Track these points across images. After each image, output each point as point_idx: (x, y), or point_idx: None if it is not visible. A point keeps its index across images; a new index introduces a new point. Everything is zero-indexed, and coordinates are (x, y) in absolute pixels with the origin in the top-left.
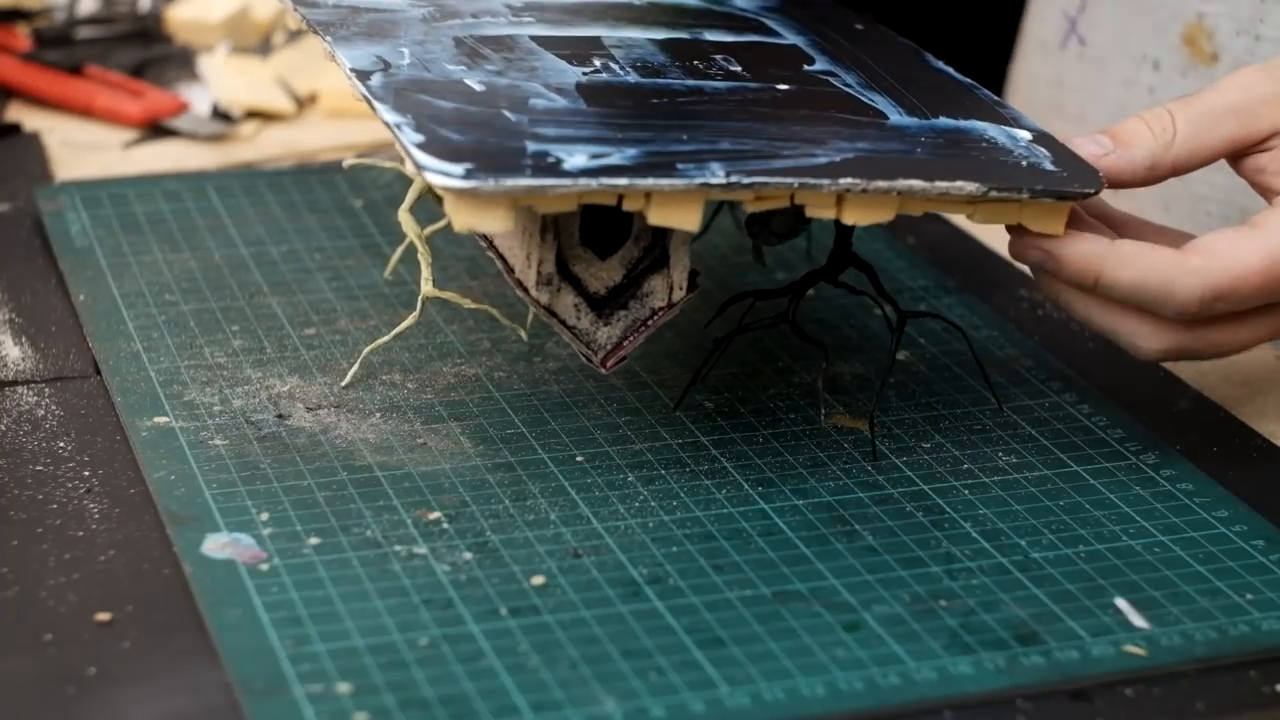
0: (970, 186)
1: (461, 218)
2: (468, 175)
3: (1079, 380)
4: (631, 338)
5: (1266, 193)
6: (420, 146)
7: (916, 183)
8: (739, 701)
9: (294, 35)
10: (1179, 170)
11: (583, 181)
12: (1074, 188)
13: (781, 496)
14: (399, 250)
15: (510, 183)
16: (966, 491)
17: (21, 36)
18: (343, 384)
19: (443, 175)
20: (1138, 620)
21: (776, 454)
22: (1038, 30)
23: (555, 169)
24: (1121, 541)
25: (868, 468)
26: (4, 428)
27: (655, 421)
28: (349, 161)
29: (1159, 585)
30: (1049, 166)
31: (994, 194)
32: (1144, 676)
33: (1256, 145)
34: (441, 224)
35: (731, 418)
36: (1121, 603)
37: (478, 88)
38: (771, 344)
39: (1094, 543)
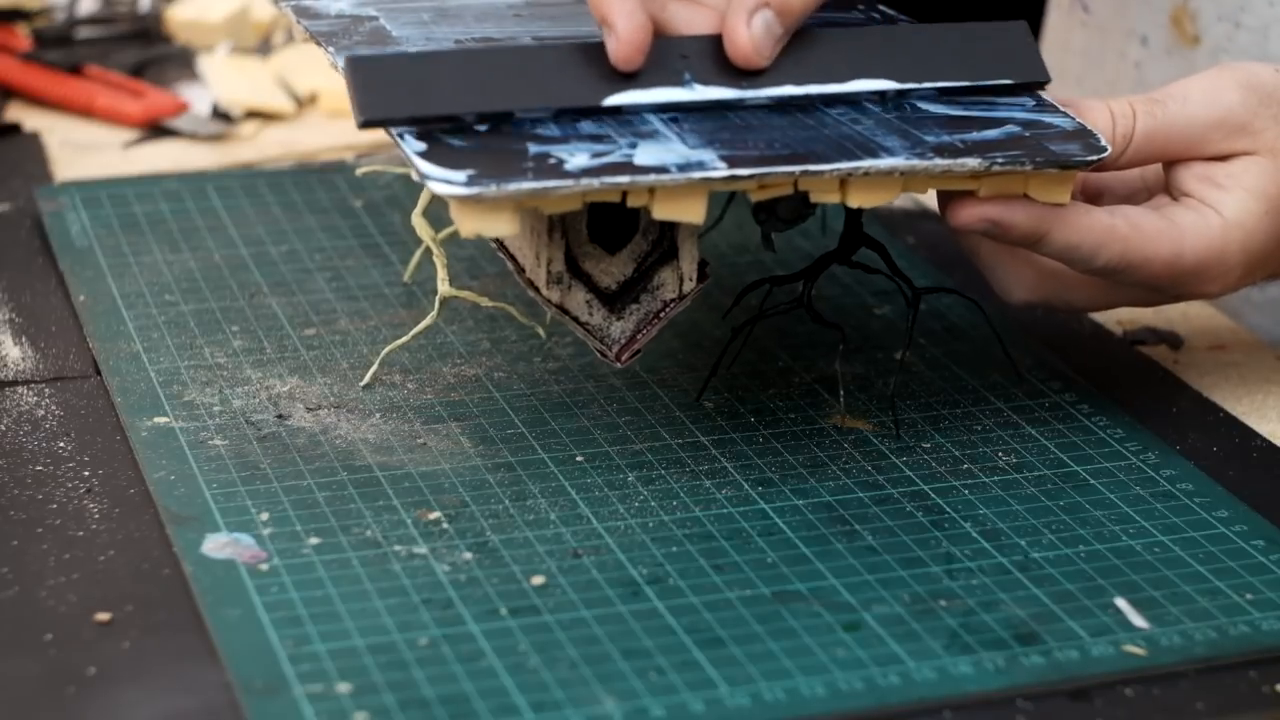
0: (973, 162)
1: (468, 224)
2: (470, 182)
3: (1079, 380)
4: (645, 331)
5: (1174, 185)
6: (422, 155)
7: (919, 162)
8: (739, 701)
9: (294, 35)
10: (1116, 170)
11: (585, 181)
12: (1078, 156)
13: (781, 496)
14: (416, 255)
15: (513, 187)
16: (966, 491)
17: (21, 36)
18: (362, 384)
19: (445, 184)
20: (1138, 620)
21: (776, 454)
22: None
23: (557, 170)
24: (1121, 541)
25: (868, 467)
26: (4, 428)
27: (655, 421)
28: (361, 170)
29: (1159, 585)
30: (1052, 136)
31: (996, 169)
32: (1144, 676)
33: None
34: (453, 228)
35: (731, 418)
36: (1121, 603)
37: None
38: (771, 344)
39: (1094, 543)
